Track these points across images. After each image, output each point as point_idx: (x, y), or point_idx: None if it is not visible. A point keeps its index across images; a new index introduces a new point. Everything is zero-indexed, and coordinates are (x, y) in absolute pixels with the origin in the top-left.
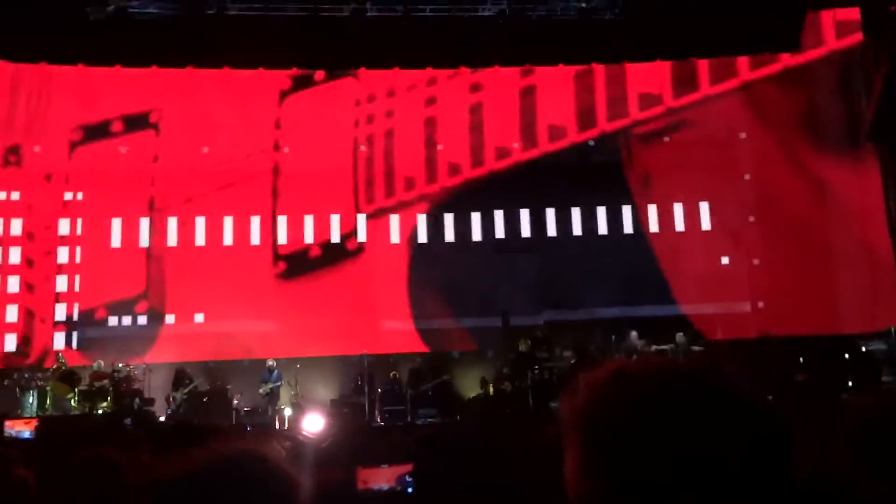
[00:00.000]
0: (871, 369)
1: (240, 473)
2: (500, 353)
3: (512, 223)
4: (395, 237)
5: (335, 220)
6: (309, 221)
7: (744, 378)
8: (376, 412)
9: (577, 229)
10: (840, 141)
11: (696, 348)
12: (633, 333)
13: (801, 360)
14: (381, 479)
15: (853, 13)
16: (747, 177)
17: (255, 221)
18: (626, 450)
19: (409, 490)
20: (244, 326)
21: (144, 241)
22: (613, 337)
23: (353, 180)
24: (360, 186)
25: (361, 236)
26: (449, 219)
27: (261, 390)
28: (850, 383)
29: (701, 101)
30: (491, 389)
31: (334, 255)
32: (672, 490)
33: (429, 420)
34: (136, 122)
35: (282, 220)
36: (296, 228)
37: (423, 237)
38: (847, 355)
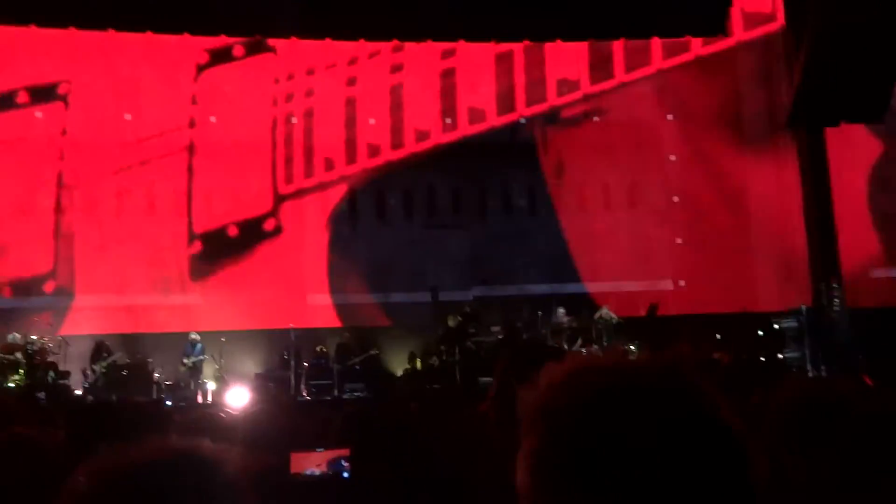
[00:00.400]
0: (778, 344)
1: (174, 475)
2: (429, 328)
3: (442, 200)
4: (316, 214)
5: (253, 198)
6: (227, 200)
7: (703, 382)
8: (302, 387)
9: (506, 206)
10: (761, 126)
11: (615, 321)
12: (560, 310)
13: (718, 336)
14: (315, 463)
15: (769, 3)
16: (673, 158)
17: (170, 198)
18: (581, 450)
19: (344, 475)
20: (165, 300)
21: (51, 217)
22: (540, 313)
23: (272, 159)
24: (279, 165)
25: (281, 215)
26: (377, 195)
27: (183, 364)
28: (763, 358)
29: (622, 86)
30: (419, 364)
31: (253, 234)
32: (626, 492)
33: (356, 394)
34: (44, 94)
35: (198, 198)
36: (213, 206)
37: (346, 213)
38: (760, 332)
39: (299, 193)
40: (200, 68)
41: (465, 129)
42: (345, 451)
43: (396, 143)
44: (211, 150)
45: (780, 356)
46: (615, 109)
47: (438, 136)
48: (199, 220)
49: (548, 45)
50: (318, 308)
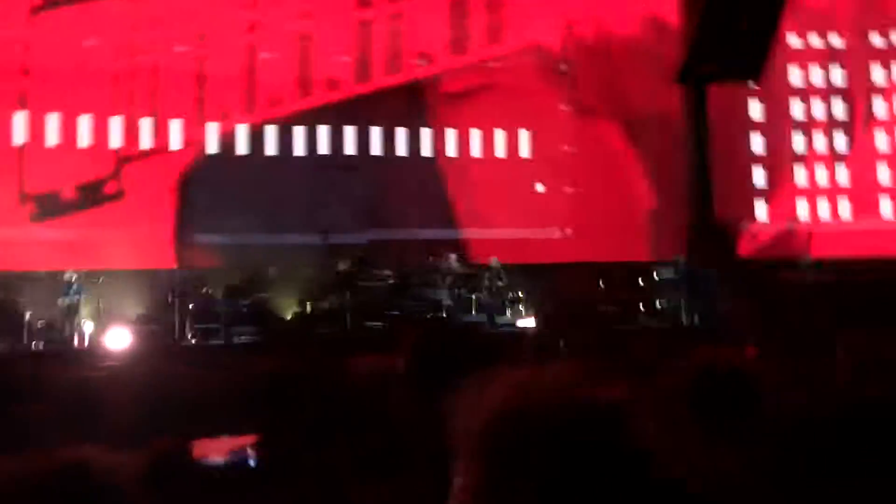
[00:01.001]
0: (657, 295)
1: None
2: (319, 271)
3: (335, 140)
4: (211, 145)
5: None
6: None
7: (645, 416)
8: (187, 330)
9: (402, 149)
10: (655, 80)
11: (494, 264)
12: (453, 256)
13: (601, 285)
14: (219, 451)
15: None
16: (565, 108)
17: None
18: (526, 478)
19: (251, 463)
20: (35, 234)
21: None
22: (432, 258)
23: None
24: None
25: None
26: (269, 132)
27: (58, 304)
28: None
29: (521, 33)
30: (309, 307)
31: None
32: None
33: (244, 338)
34: None
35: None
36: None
37: (241, 149)
38: (641, 282)
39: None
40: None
41: (381, 80)
42: (248, 438)
43: (304, 92)
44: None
45: (658, 305)
46: (511, 58)
47: (351, 86)
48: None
49: None
50: (205, 248)
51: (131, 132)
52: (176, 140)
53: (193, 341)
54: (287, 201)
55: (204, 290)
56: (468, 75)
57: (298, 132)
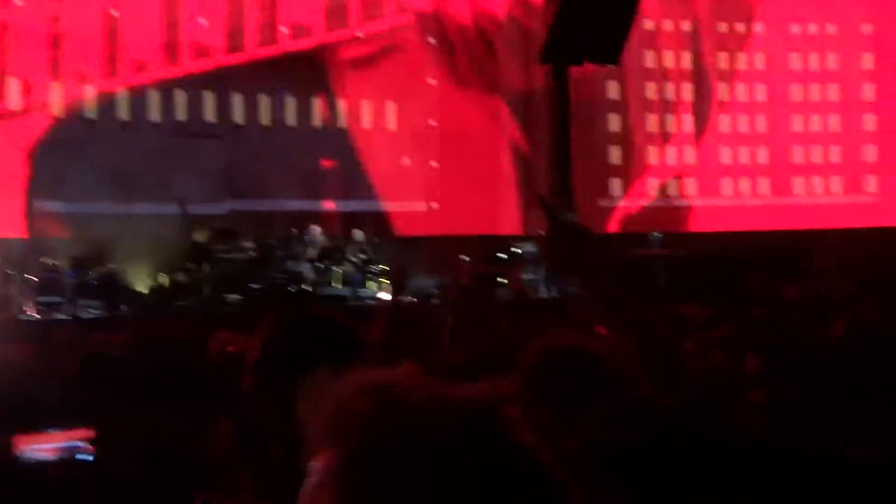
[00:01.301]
0: (518, 267)
1: None
2: (176, 242)
3: (194, 106)
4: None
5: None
6: None
7: (522, 423)
8: (29, 303)
9: (265, 118)
10: (519, 58)
11: (375, 240)
12: (316, 228)
13: (465, 258)
14: (48, 446)
15: None
16: (432, 81)
17: None
18: (391, 494)
19: (86, 458)
20: None
21: None
22: (295, 230)
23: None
24: None
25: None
26: (121, 97)
27: None
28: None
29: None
30: (165, 280)
31: None
32: None
33: (91, 312)
34: None
35: None
36: None
37: (86, 117)
38: (501, 255)
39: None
40: None
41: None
42: (80, 432)
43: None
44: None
45: (519, 279)
46: (384, 32)
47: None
48: None
49: None
50: (51, 216)
51: None
52: (26, 102)
53: (35, 315)
54: (144, 169)
55: (49, 261)
56: (339, 47)
57: (155, 98)
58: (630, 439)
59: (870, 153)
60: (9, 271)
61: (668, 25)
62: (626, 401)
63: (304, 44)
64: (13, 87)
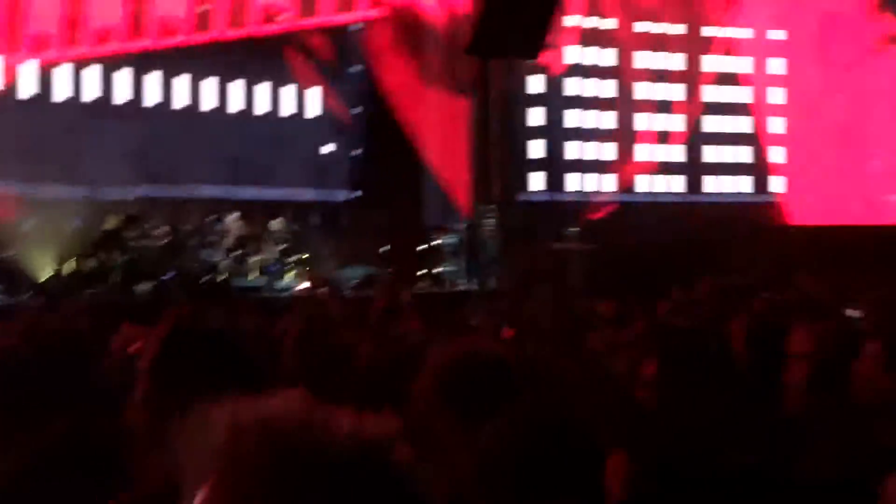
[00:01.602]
0: (435, 260)
1: None
2: (83, 228)
3: (106, 86)
4: None
5: None
6: None
7: (411, 462)
8: None
9: (181, 100)
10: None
11: (293, 228)
12: (233, 215)
13: (384, 249)
14: None
15: None
16: (359, 68)
17: None
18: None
19: None
20: None
21: None
22: (211, 218)
23: None
24: None
25: None
26: (27, 72)
27: None
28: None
29: None
30: (69, 267)
31: None
32: None
33: None
34: None
35: None
36: None
37: None
38: (422, 247)
39: None
40: None
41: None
42: None
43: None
44: None
45: (437, 270)
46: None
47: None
48: None
49: None
50: None
51: None
52: None
53: None
54: (51, 150)
55: None
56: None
57: (60, 73)
58: (521, 446)
59: (778, 154)
60: None
61: (591, 22)
62: (523, 408)
63: (273, 29)
64: None
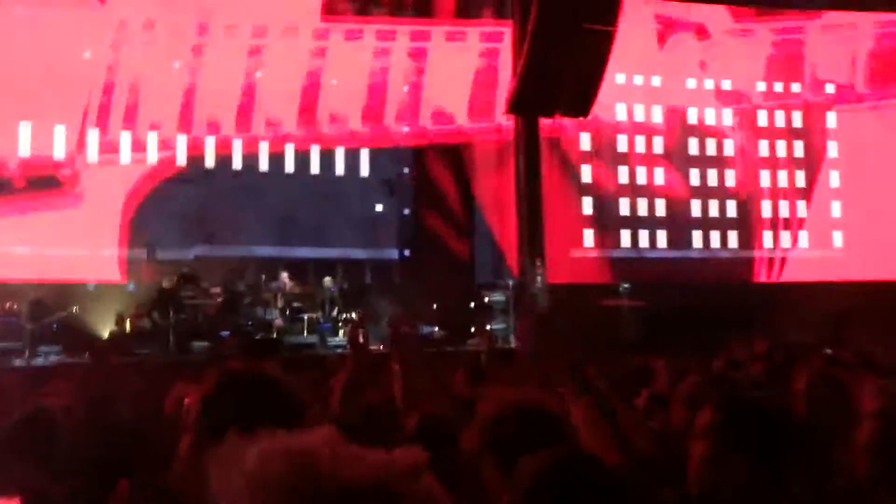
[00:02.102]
0: (488, 317)
1: None
2: (142, 287)
3: (166, 150)
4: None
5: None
6: None
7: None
8: None
9: (237, 163)
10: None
11: (344, 287)
12: (284, 274)
13: (434, 307)
14: None
15: None
16: (405, 129)
17: None
18: None
19: None
20: None
21: None
22: (264, 276)
23: None
24: None
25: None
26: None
27: None
28: (473, 329)
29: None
30: (128, 326)
31: None
32: None
33: (52, 358)
34: None
35: None
36: None
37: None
38: (472, 304)
39: None
40: None
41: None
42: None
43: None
44: None
45: (488, 328)
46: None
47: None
48: None
49: None
50: (8, 259)
51: None
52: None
53: None
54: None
55: (7, 304)
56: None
57: (124, 137)
58: (556, 494)
59: (835, 209)
60: None
61: (638, 80)
62: (559, 456)
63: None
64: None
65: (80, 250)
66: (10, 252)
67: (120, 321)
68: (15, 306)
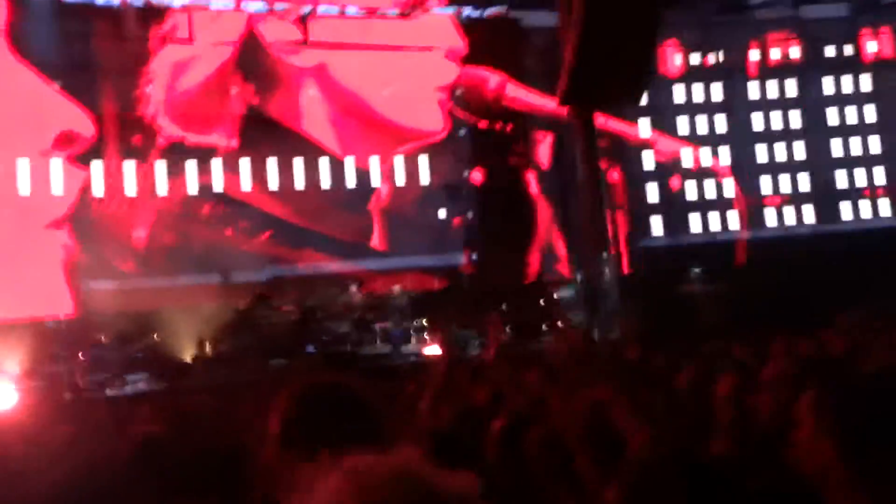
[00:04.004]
0: (559, 312)
1: None
2: (219, 310)
3: (231, 174)
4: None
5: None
6: None
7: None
8: (78, 381)
9: (299, 182)
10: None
11: (413, 296)
12: (354, 287)
13: (504, 306)
14: None
15: None
16: (462, 132)
17: None
18: None
19: None
20: None
21: None
22: (335, 290)
23: None
24: None
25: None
26: (160, 170)
27: None
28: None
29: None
30: (208, 349)
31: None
32: None
33: (139, 384)
34: None
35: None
36: None
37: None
38: (542, 301)
39: None
40: None
41: None
42: None
43: None
44: None
45: (559, 324)
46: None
47: None
48: None
49: None
50: (93, 294)
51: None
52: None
53: (85, 392)
54: (182, 240)
55: (95, 337)
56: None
57: (190, 166)
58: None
59: None
60: (57, 350)
61: (695, 59)
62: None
63: None
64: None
65: (151, 281)
66: (95, 287)
67: (201, 345)
68: (103, 338)
